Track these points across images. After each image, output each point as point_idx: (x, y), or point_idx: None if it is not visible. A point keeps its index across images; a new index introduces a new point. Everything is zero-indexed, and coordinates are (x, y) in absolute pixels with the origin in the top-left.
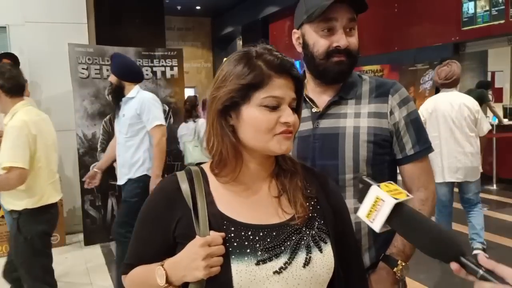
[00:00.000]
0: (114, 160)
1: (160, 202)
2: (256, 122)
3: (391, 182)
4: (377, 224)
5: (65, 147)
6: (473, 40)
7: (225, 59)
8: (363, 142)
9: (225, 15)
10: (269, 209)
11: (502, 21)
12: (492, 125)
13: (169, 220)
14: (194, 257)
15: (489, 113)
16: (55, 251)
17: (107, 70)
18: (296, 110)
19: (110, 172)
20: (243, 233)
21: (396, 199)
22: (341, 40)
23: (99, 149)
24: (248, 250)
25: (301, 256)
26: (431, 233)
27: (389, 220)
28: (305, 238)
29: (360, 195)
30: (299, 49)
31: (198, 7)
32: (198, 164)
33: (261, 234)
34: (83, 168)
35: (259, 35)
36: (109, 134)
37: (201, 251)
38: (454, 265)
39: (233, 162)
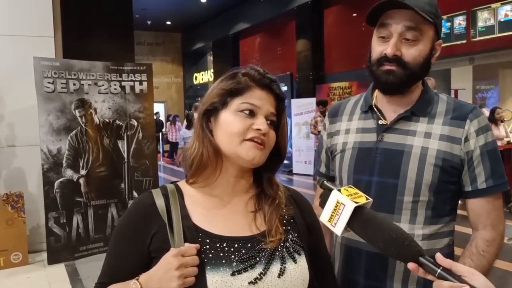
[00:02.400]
0: (80, 176)
1: (135, 218)
2: (229, 124)
3: (351, 186)
4: (338, 228)
5: (29, 163)
6: (436, 59)
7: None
8: (429, 165)
9: (195, 31)
10: (243, 222)
11: (463, 41)
12: None
13: (145, 235)
14: (168, 268)
15: None
16: (17, 271)
17: (74, 84)
18: (277, 126)
19: (75, 188)
20: (218, 245)
21: (356, 202)
22: (389, 47)
23: (64, 165)
24: (224, 261)
25: (275, 267)
26: (390, 235)
27: (350, 223)
28: (279, 249)
29: (322, 200)
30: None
31: (168, 22)
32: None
33: (236, 245)
34: (47, 185)
35: (230, 51)
36: (76, 150)
37: (175, 261)
38: (411, 265)
39: (214, 163)
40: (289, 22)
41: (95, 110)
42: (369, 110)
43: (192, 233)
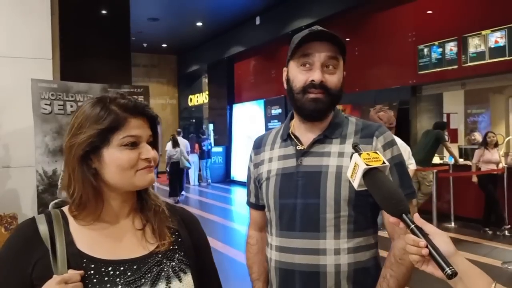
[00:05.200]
0: None
1: (16, 245)
2: (119, 161)
3: (376, 152)
4: (355, 183)
5: (24, 184)
6: (429, 83)
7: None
8: (345, 181)
9: (190, 53)
10: (132, 242)
11: (455, 67)
12: (448, 165)
13: (26, 263)
14: None
15: (446, 153)
16: None
17: (71, 106)
18: (154, 145)
19: None
20: (103, 269)
21: (367, 165)
22: (315, 74)
23: (59, 186)
24: (109, 285)
25: (161, 286)
26: (384, 195)
27: (364, 181)
28: (165, 269)
29: (351, 160)
30: (286, 85)
31: (164, 45)
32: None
33: (121, 268)
34: (42, 206)
35: (225, 74)
36: None
37: None
38: (393, 219)
39: (93, 204)
40: (283, 46)
41: None
42: (288, 138)
43: (76, 259)
